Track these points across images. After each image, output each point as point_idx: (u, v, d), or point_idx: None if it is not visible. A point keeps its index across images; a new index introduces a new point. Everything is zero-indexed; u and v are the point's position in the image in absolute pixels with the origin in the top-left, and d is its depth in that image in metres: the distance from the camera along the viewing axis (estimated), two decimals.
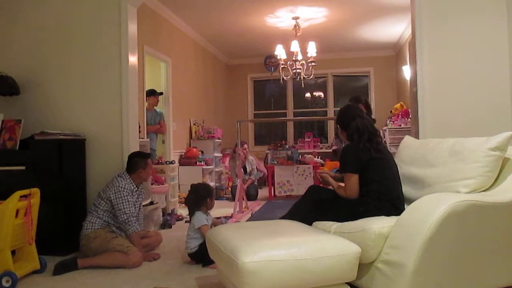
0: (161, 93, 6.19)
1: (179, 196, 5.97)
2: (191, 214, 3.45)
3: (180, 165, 6.68)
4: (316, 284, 2.08)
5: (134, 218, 3.44)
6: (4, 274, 2.74)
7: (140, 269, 3.19)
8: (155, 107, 6.02)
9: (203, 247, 3.14)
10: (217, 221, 3.59)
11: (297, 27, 6.77)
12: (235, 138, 6.14)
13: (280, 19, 6.92)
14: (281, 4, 6.28)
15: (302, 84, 7.18)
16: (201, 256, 3.17)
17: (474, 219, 2.08)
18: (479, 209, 2.08)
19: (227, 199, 7.13)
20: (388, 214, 2.44)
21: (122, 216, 3.38)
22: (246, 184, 7.00)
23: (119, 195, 3.40)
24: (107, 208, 3.43)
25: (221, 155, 8.09)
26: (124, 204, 3.40)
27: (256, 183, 7.48)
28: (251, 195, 6.92)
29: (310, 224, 2.66)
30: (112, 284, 2.85)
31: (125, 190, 3.44)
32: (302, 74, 6.89)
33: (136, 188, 3.61)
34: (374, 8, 6.54)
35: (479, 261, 2.15)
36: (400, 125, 7.59)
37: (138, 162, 3.60)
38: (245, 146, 7.31)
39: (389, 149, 3.00)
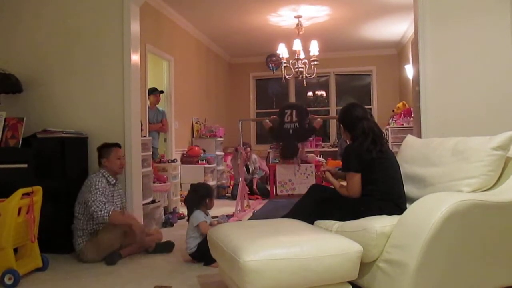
0: (162, 92, 6.19)
1: (180, 195, 5.97)
2: (189, 213, 3.44)
3: (182, 164, 6.69)
4: (318, 283, 2.08)
5: (104, 203, 3.32)
6: (6, 272, 2.75)
7: (142, 268, 3.20)
8: (157, 106, 6.02)
9: (201, 246, 3.16)
10: (214, 222, 3.57)
11: (300, 25, 6.76)
12: (237, 137, 6.13)
13: (283, 17, 6.92)
14: (284, 3, 6.28)
15: (305, 83, 7.16)
16: (201, 255, 3.17)
17: (477, 219, 2.08)
18: (482, 208, 2.07)
19: (228, 198, 7.12)
20: (390, 213, 2.44)
21: (94, 209, 3.27)
22: (255, 183, 7.14)
23: (93, 192, 3.32)
24: (84, 212, 3.38)
25: (223, 153, 8.09)
26: (95, 199, 3.28)
27: (258, 181, 7.48)
28: (263, 193, 7.02)
29: (312, 223, 2.66)
30: (114, 283, 2.86)
31: (98, 186, 3.35)
32: (304, 73, 6.88)
33: (114, 181, 3.55)
34: (377, 7, 6.53)
35: (481, 260, 2.15)
36: (403, 124, 7.58)
37: (100, 153, 3.56)
38: (248, 149, 7.31)
39: (391, 148, 2.97)
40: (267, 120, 5.41)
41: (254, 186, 7.20)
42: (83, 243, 3.33)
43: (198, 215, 3.35)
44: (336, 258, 2.07)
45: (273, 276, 1.97)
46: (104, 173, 3.49)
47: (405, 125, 7.48)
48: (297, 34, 6.76)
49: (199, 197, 3.44)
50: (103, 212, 3.28)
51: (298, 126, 5.12)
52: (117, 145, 3.65)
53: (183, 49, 7.13)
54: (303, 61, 6.82)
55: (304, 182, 6.67)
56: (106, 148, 3.57)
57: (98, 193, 3.33)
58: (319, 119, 5.33)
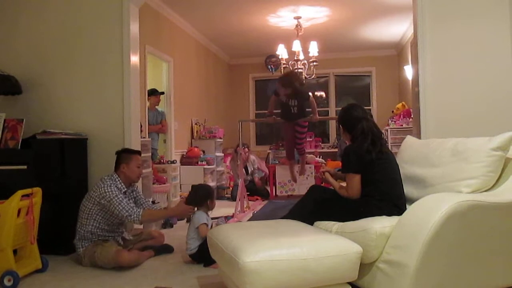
0: (162, 93, 6.19)
1: (180, 196, 5.97)
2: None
3: (181, 165, 6.69)
4: (318, 283, 2.08)
5: (132, 206, 3.25)
6: (6, 273, 2.75)
7: (142, 268, 3.19)
8: (156, 107, 6.03)
9: (202, 248, 3.15)
10: (213, 225, 3.56)
11: (299, 26, 6.77)
12: (237, 138, 6.13)
13: (282, 18, 6.92)
14: (283, 4, 6.28)
15: (304, 83, 7.16)
16: (202, 257, 3.17)
17: (476, 219, 2.08)
18: (481, 209, 2.07)
19: (228, 199, 7.12)
20: (389, 214, 2.44)
21: (123, 214, 3.19)
22: (258, 184, 7.23)
23: (109, 197, 3.20)
24: (93, 213, 3.26)
25: (223, 154, 8.09)
26: (119, 204, 3.19)
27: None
28: (262, 194, 7.05)
29: (311, 224, 2.66)
30: (113, 284, 2.86)
31: (112, 188, 3.24)
32: (303, 73, 6.89)
33: (125, 189, 3.39)
34: (376, 7, 6.54)
35: (481, 261, 2.15)
36: (402, 125, 7.59)
37: (120, 158, 3.41)
38: (246, 150, 7.31)
39: (390, 149, 2.97)
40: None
41: (257, 180, 7.22)
42: (82, 247, 3.28)
43: (200, 216, 3.34)
44: (336, 259, 2.07)
45: (272, 277, 1.97)
46: (117, 179, 3.36)
47: (404, 125, 7.50)
48: (296, 35, 6.77)
49: (200, 198, 3.43)
50: (133, 216, 3.21)
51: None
52: (138, 153, 3.55)
53: (182, 50, 7.13)
54: (303, 62, 6.83)
55: (304, 183, 6.69)
56: (127, 154, 3.44)
57: (120, 195, 3.23)
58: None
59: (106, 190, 3.24)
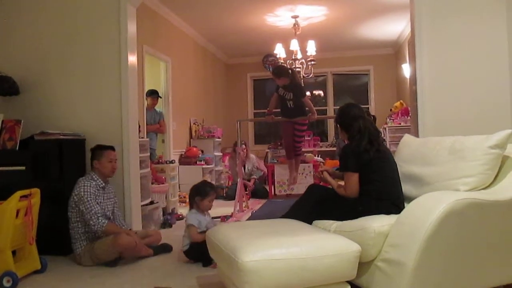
0: (160, 97, 6.18)
1: (179, 196, 5.97)
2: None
3: (180, 165, 6.68)
4: (317, 283, 2.08)
5: (98, 216, 3.25)
6: (5, 274, 2.75)
7: (141, 268, 3.19)
8: (155, 107, 6.02)
9: (193, 245, 3.17)
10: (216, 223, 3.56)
11: (297, 25, 6.77)
12: (235, 137, 6.14)
13: (280, 18, 6.92)
14: (281, 3, 6.28)
15: (302, 83, 7.16)
16: (194, 254, 3.20)
17: (474, 217, 2.08)
18: (479, 207, 2.08)
19: (225, 198, 7.08)
20: (388, 212, 2.44)
21: (89, 222, 3.24)
22: (252, 183, 7.09)
23: (83, 200, 3.25)
24: (78, 215, 3.31)
25: (221, 154, 8.09)
26: (89, 210, 3.23)
27: (257, 181, 7.46)
28: (261, 193, 6.99)
29: (310, 223, 2.66)
30: (113, 284, 2.86)
31: (86, 189, 3.29)
32: (301, 73, 6.89)
33: (103, 184, 3.46)
34: (374, 6, 6.54)
35: (479, 259, 2.15)
36: (400, 124, 7.60)
37: (93, 154, 3.50)
38: (243, 146, 7.26)
39: (389, 148, 2.98)
40: None
41: (251, 184, 7.16)
42: (80, 247, 3.29)
43: (189, 216, 3.35)
44: (335, 258, 2.07)
45: (271, 276, 1.98)
46: (94, 176, 3.43)
47: (402, 124, 7.51)
48: (294, 34, 6.77)
49: (190, 197, 3.45)
50: (96, 227, 3.24)
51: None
52: (111, 148, 3.59)
53: (180, 50, 7.13)
54: (300, 61, 6.84)
55: (302, 182, 6.69)
56: (99, 150, 3.52)
57: (92, 201, 3.27)
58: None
59: (81, 191, 3.30)
